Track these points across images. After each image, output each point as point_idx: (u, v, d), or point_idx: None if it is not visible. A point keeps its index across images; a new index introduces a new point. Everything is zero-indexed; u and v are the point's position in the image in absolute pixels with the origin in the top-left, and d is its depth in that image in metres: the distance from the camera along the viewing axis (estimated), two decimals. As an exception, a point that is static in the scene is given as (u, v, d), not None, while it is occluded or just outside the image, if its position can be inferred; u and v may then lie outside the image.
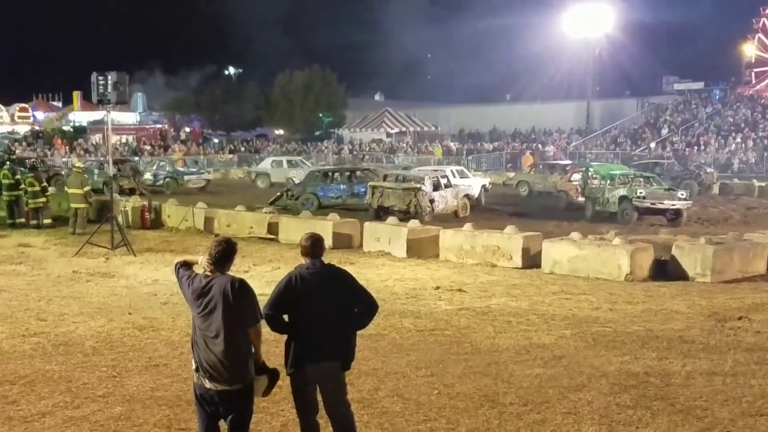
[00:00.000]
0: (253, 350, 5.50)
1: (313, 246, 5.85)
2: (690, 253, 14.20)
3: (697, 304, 11.83)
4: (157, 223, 21.57)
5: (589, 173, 26.81)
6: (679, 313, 11.26)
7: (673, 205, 23.35)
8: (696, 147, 50.31)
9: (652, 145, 52.64)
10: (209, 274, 5.47)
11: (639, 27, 65.47)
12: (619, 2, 62.82)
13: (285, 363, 5.77)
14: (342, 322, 5.81)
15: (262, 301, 5.66)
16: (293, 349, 5.72)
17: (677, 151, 49.64)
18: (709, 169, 37.86)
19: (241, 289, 5.39)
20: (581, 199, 27.78)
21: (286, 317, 5.80)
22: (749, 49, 62.26)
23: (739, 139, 50.55)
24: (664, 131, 56.25)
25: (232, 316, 5.33)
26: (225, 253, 5.49)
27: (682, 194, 24.09)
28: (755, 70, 61.64)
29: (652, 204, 23.29)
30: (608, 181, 25.01)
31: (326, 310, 5.72)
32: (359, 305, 5.90)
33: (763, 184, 34.72)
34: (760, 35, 61.24)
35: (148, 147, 53.82)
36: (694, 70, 69.86)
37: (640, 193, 23.51)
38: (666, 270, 14.30)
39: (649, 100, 66.31)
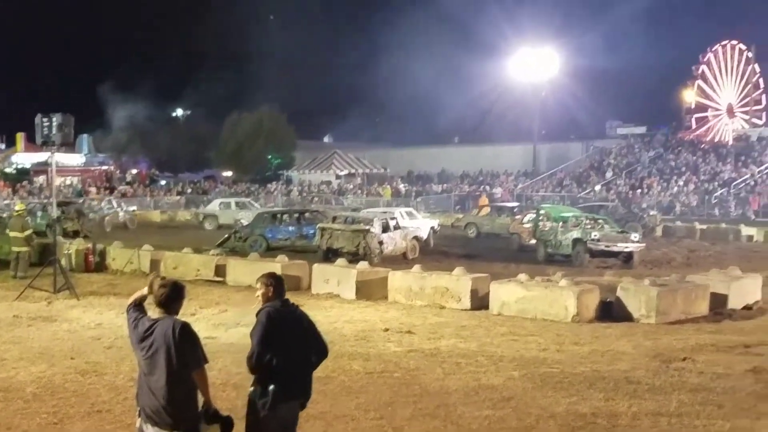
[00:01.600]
0: (198, 395, 5.41)
1: (280, 286, 5.93)
2: (635, 294, 14.39)
3: (643, 345, 11.97)
4: (101, 266, 21.19)
5: (540, 216, 26.86)
6: (625, 354, 11.37)
7: (626, 247, 23.46)
8: (639, 190, 51.32)
9: (597, 187, 53.57)
10: (154, 317, 5.40)
11: (583, 72, 67.01)
12: (564, 48, 64.39)
13: (250, 403, 5.71)
14: (309, 361, 5.94)
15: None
16: (273, 389, 5.66)
17: (621, 193, 50.58)
18: (652, 212, 38.55)
19: (183, 332, 5.30)
20: (533, 241, 28.07)
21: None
22: (689, 96, 64.03)
23: (681, 183, 51.73)
24: (609, 174, 57.34)
25: (174, 360, 5.24)
26: (169, 296, 5.42)
27: (635, 236, 24.26)
28: (695, 115, 63.38)
29: (606, 246, 23.34)
30: (560, 224, 25.04)
31: (299, 349, 5.81)
32: (316, 346, 5.99)
33: (705, 226, 35.45)
34: (700, 82, 63.08)
35: (93, 189, 53.12)
36: (636, 115, 71.59)
37: (595, 235, 23.57)
38: (611, 311, 14.45)
39: (593, 143, 67.58)
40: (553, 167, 62.46)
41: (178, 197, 53.90)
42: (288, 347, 5.71)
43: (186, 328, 5.36)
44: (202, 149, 71.74)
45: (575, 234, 24.12)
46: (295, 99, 78.23)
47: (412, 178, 65.29)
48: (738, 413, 8.52)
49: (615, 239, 23.63)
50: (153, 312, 5.54)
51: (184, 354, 5.28)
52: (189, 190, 57.87)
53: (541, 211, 27.66)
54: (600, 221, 25.46)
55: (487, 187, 55.69)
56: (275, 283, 5.91)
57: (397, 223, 25.70)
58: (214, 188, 59.53)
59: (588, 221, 25.18)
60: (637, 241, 23.98)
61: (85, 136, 67.28)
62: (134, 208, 42.93)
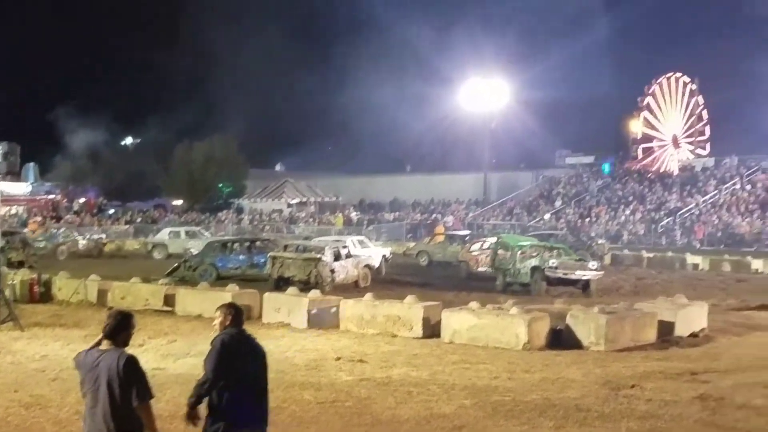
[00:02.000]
0: (144, 430, 5.30)
1: (239, 315, 5.92)
2: (584, 322, 14.53)
3: (592, 373, 12.07)
4: (47, 297, 20.74)
5: (499, 244, 26.51)
6: (574, 382, 11.46)
7: (584, 275, 23.27)
8: (588, 218, 52.02)
9: (547, 216, 54.18)
10: (102, 348, 5.32)
11: (533, 103, 67.93)
12: (514, 79, 65.27)
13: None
14: (265, 391, 5.89)
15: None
16: (224, 417, 5.58)
17: (570, 222, 51.23)
18: (600, 240, 39.08)
19: (129, 365, 5.21)
20: (482, 268, 28.18)
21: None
22: (636, 126, 65.22)
23: (628, 212, 52.57)
24: (558, 203, 58.06)
25: (117, 394, 5.15)
26: (115, 326, 5.34)
27: (594, 264, 24.10)
28: (642, 146, 64.51)
29: (564, 274, 23.15)
30: (519, 252, 24.72)
31: (257, 378, 5.79)
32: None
33: (651, 255, 36.05)
34: (646, 113, 64.29)
35: (39, 218, 52.13)
36: (585, 145, 72.69)
37: (553, 263, 23.39)
38: (562, 339, 14.56)
39: (543, 173, 68.38)
40: (504, 196, 63.06)
41: (127, 226, 53.14)
42: (246, 375, 5.68)
43: (131, 361, 5.27)
44: (152, 178, 70.99)
45: (533, 262, 23.92)
46: (247, 127, 78.09)
47: (364, 206, 65.39)
48: (686, 439, 8.62)
49: (573, 267, 23.51)
50: (103, 344, 5.45)
51: (129, 388, 5.18)
52: (138, 219, 57.16)
53: (499, 240, 27.31)
54: (558, 249, 25.25)
55: (439, 216, 56.01)
56: (234, 313, 5.91)
57: (348, 251, 25.69)
58: (163, 217, 58.84)
59: (546, 249, 24.97)
60: (595, 269, 23.83)
61: (31, 164, 66.25)
62: (103, 235, 42.32)
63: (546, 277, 23.33)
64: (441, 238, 37.82)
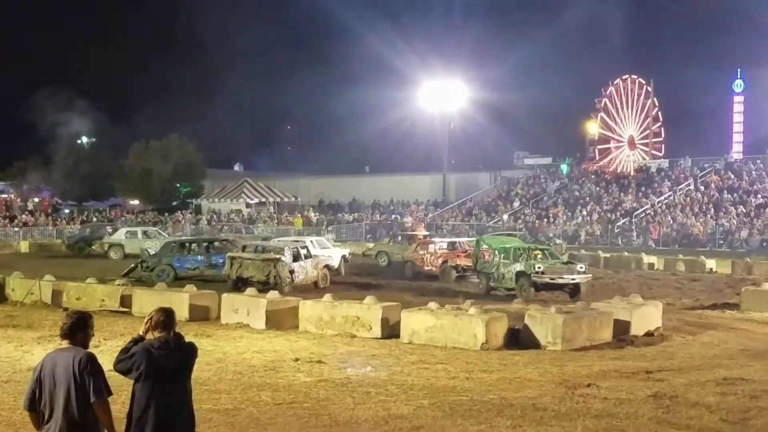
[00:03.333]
0: (101, 429, 5.25)
1: (169, 318, 5.79)
2: (541, 322, 14.64)
3: (549, 372, 12.18)
4: (0, 297, 20.43)
5: (481, 247, 25.12)
6: (532, 381, 11.55)
7: (572, 279, 21.98)
8: (546, 219, 52.46)
9: (505, 216, 54.53)
10: (62, 347, 5.28)
11: (491, 104, 68.50)
12: (472, 80, 65.70)
13: None
14: (190, 397, 5.80)
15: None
16: (150, 427, 5.52)
17: (528, 222, 51.63)
18: (558, 241, 39.40)
19: (86, 361, 5.16)
20: (427, 268, 28.31)
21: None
22: (592, 127, 65.93)
23: (585, 212, 53.11)
24: (516, 204, 58.46)
25: (75, 392, 5.09)
26: (72, 326, 5.29)
27: (581, 267, 22.70)
28: (598, 147, 65.24)
29: (551, 279, 21.82)
30: (502, 255, 23.30)
31: (184, 387, 5.70)
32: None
33: (608, 255, 36.46)
34: (602, 114, 65.02)
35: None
36: (543, 146, 73.41)
37: (539, 267, 21.95)
38: (519, 338, 14.66)
39: (501, 174, 68.84)
40: (463, 197, 63.39)
41: (82, 226, 52.44)
42: (172, 384, 5.61)
43: (89, 357, 5.22)
44: (108, 178, 70.09)
45: (518, 267, 22.54)
46: (205, 127, 77.56)
47: (324, 207, 65.30)
48: (640, 437, 8.73)
49: (560, 271, 22.18)
50: (62, 344, 5.40)
51: (86, 385, 5.13)
52: (94, 219, 56.42)
53: (482, 242, 25.90)
54: (544, 251, 24.06)
55: (398, 217, 56.14)
56: (166, 318, 5.79)
57: (308, 251, 25.61)
58: (119, 217, 58.16)
59: (530, 251, 23.68)
60: (583, 272, 22.48)
61: (-18, 164, 65.25)
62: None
63: (533, 283, 21.93)
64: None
